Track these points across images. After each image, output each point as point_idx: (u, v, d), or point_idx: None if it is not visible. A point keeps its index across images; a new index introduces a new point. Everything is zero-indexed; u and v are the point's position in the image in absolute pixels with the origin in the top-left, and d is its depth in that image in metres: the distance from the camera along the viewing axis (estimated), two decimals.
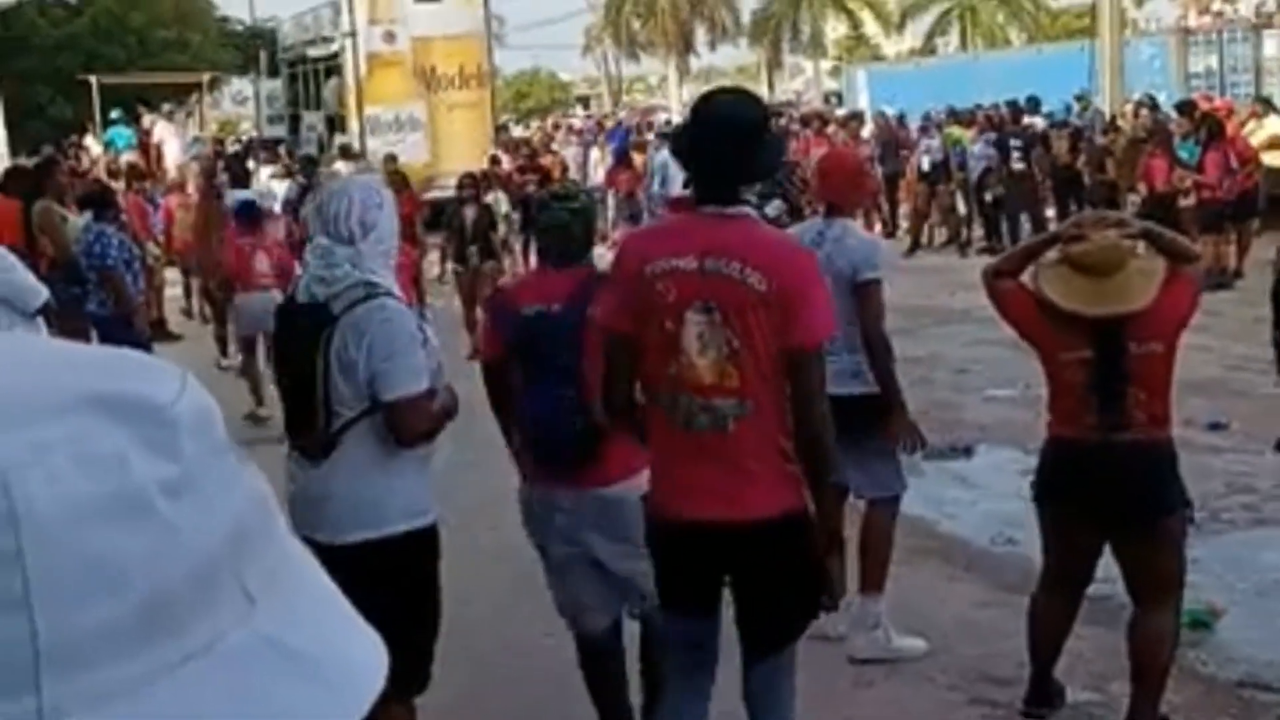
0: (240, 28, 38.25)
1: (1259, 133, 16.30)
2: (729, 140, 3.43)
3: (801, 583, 3.46)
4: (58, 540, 0.54)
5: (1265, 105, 17.30)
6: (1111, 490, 4.32)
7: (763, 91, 57.86)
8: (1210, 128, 14.89)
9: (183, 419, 0.59)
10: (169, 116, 27.37)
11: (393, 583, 3.52)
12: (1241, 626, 5.47)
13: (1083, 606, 4.65)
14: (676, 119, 33.82)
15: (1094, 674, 4.95)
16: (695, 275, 3.38)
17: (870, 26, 57.01)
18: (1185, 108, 16.31)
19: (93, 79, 26.19)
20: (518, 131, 34.99)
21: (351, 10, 20.35)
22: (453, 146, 19.79)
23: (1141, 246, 4.38)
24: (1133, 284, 4.26)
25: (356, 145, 20.38)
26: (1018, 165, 17.54)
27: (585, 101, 60.78)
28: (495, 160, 18.87)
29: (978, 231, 18.68)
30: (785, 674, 3.62)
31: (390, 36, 20.39)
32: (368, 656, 0.63)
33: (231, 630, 0.58)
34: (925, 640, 5.34)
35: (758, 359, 3.35)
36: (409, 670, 3.62)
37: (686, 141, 3.68)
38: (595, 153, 23.47)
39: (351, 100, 20.78)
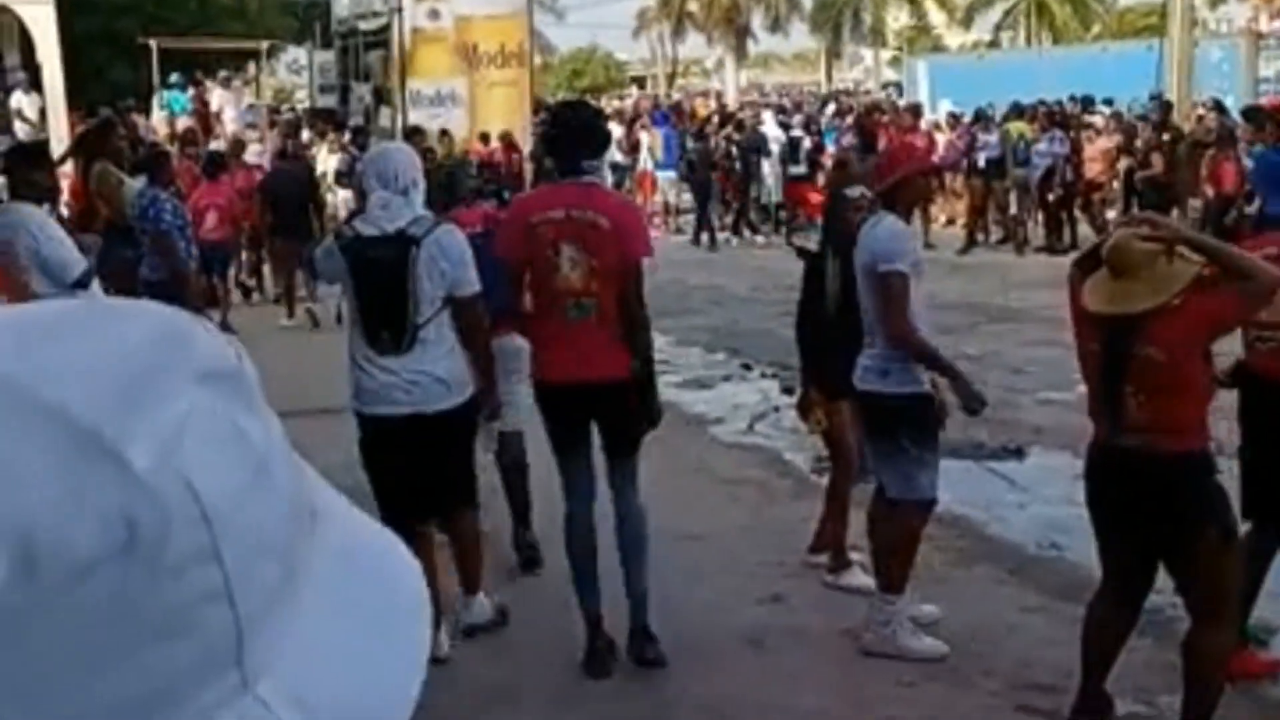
0: None
1: None
2: (578, 134, 5.22)
3: (636, 414, 5.14)
4: (236, 525, 0.57)
5: None
6: (1124, 497, 4.28)
7: (820, 79, 57.72)
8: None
9: (252, 376, 0.61)
10: (225, 83, 27.44)
11: (467, 432, 5.25)
12: None
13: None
14: (732, 105, 33.79)
15: (1143, 687, 4.86)
16: (564, 221, 5.02)
17: (934, 17, 56.63)
18: (1251, 114, 16.03)
19: (152, 43, 26.26)
20: None
21: None
22: (492, 122, 19.95)
23: (1186, 252, 4.25)
24: (1142, 286, 4.19)
25: (400, 118, 20.53)
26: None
27: (640, 82, 60.59)
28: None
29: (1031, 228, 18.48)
30: (634, 471, 5.21)
31: (434, 14, 20.60)
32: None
33: (315, 554, 0.62)
34: (946, 644, 5.31)
35: (606, 272, 5.01)
36: (472, 485, 5.34)
37: (551, 136, 5.52)
38: (645, 136, 23.34)
39: (395, 74, 20.96)
